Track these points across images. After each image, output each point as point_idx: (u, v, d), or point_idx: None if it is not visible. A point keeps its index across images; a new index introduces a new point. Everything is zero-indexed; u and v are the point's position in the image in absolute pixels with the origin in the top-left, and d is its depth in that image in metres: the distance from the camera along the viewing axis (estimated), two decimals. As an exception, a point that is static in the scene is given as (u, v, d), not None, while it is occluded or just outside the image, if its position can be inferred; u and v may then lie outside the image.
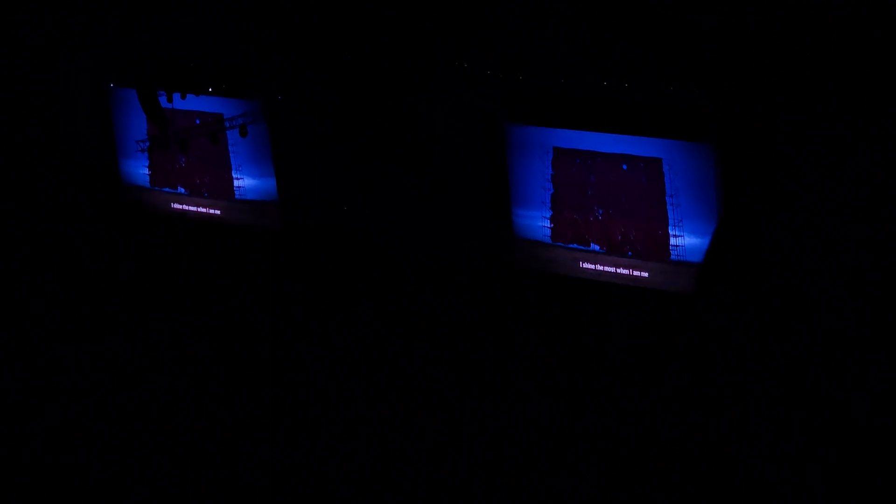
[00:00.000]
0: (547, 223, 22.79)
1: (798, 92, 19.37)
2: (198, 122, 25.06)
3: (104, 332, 22.53)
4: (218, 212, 26.66)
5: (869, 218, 18.95)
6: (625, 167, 21.67)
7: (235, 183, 26.27)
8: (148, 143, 24.75)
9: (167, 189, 27.14)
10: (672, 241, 21.49)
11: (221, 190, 26.47)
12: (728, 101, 20.08)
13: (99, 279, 24.41)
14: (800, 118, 19.43)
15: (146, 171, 27.39)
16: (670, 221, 21.46)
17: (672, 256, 21.56)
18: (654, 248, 21.73)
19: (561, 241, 22.69)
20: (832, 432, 17.76)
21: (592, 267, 22.55)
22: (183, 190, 26.97)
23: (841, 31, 18.64)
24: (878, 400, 18.00)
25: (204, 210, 26.84)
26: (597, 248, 22.32)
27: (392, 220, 24.29)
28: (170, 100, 24.08)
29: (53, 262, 24.74)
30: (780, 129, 19.64)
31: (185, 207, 27.07)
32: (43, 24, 26.38)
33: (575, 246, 22.57)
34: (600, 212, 22.22)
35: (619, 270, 22.26)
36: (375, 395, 20.35)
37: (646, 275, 21.93)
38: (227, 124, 24.41)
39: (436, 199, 23.70)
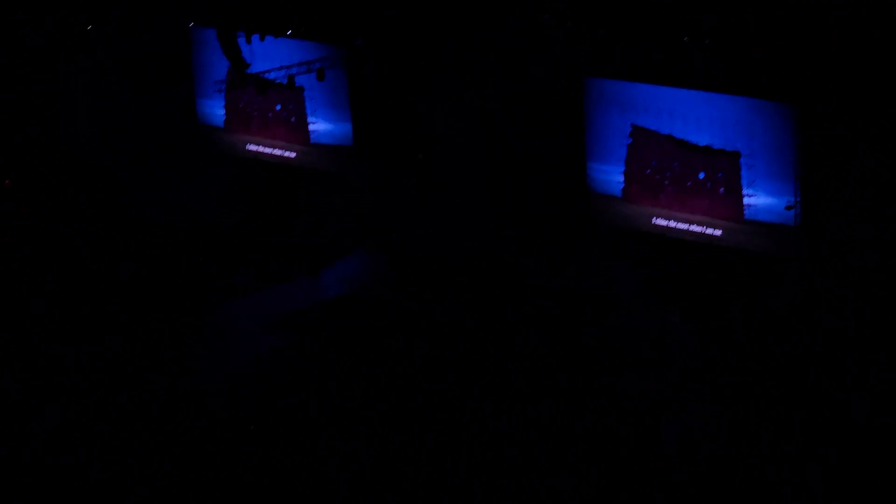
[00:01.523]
0: (621, 179, 22.81)
1: (882, 61, 19.27)
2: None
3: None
4: (293, 154, 26.81)
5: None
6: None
7: (311, 127, 26.39)
8: (226, 84, 24.92)
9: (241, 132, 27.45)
10: (745, 200, 21.44)
11: (296, 134, 26.63)
12: (811, 63, 19.97)
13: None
14: (883, 87, 19.33)
15: (222, 111, 27.57)
16: (744, 181, 21.41)
17: (745, 216, 21.51)
18: (728, 207, 21.70)
19: (634, 200, 22.73)
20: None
21: (665, 223, 22.53)
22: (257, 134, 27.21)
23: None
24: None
25: (279, 152, 26.99)
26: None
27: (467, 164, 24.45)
28: (248, 41, 24.20)
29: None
30: (863, 96, 19.53)
31: (260, 149, 27.24)
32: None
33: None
34: (676, 164, 22.20)
35: (691, 228, 22.24)
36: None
37: (719, 233, 21.89)
38: (305, 68, 24.51)
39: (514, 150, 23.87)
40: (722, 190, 21.69)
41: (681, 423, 18.60)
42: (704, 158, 21.76)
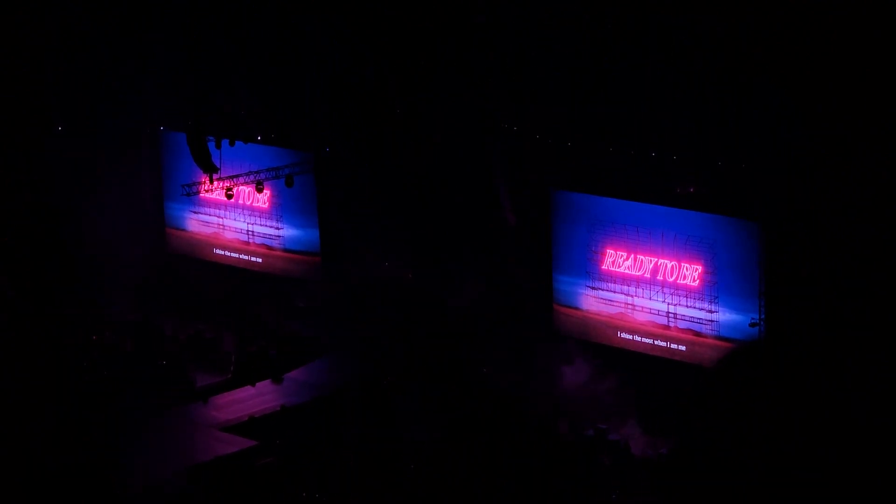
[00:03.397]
0: (589, 291, 22.87)
1: (841, 172, 19.39)
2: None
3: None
4: (259, 260, 26.81)
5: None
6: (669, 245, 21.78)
7: (277, 232, 26.42)
8: (194, 188, 24.87)
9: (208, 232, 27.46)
10: (708, 315, 21.50)
11: (264, 238, 26.67)
12: (776, 180, 20.11)
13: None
14: (843, 199, 19.43)
15: (191, 215, 27.60)
16: (707, 297, 21.50)
17: (707, 331, 21.55)
18: (693, 322, 21.76)
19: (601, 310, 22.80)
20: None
21: (630, 338, 22.55)
22: (225, 235, 27.21)
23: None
24: None
25: (245, 257, 26.98)
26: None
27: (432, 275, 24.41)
28: (218, 146, 24.19)
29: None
30: (826, 210, 19.63)
31: (227, 253, 27.23)
32: (96, 61, 26.64)
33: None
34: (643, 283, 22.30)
35: (656, 342, 22.25)
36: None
37: (683, 348, 21.89)
38: (274, 173, 24.53)
39: (478, 259, 23.84)
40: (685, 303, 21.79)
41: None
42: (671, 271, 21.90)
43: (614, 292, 22.63)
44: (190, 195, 25.37)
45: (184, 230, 27.89)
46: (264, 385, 23.20)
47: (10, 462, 18.90)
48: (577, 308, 23.11)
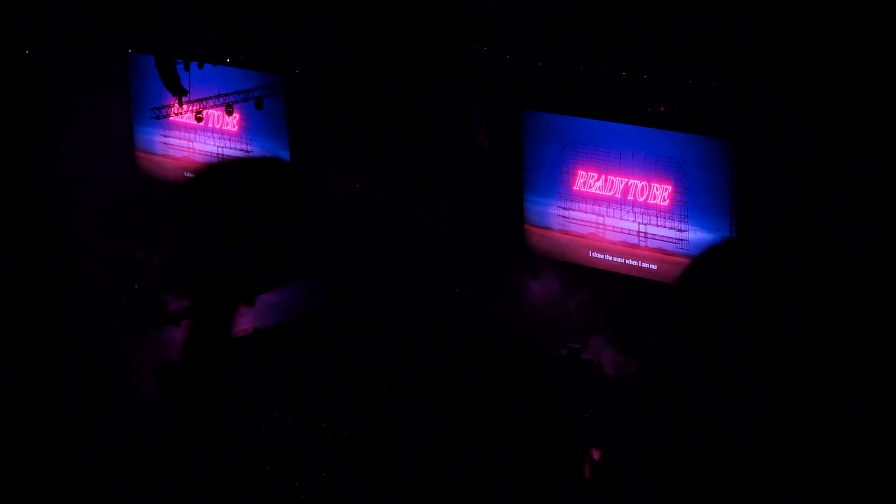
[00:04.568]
0: (558, 211, 22.93)
1: (814, 94, 19.41)
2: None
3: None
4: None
5: (876, 219, 19.02)
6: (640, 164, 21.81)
7: (247, 154, 26.36)
8: (163, 112, 24.80)
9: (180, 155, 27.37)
10: (678, 234, 21.62)
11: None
12: (747, 98, 20.12)
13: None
14: (816, 121, 19.47)
15: (161, 138, 27.50)
16: (676, 216, 21.60)
17: (677, 249, 21.67)
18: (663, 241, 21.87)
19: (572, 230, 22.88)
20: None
21: (602, 257, 22.66)
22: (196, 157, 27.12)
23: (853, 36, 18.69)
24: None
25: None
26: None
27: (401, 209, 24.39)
28: (186, 68, 24.11)
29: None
30: (798, 129, 19.68)
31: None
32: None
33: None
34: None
35: (627, 261, 22.37)
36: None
37: (654, 267, 22.03)
38: (243, 96, 24.46)
39: (448, 187, 23.82)
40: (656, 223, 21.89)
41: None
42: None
43: (585, 212, 22.72)
44: (159, 118, 25.30)
45: (154, 153, 27.77)
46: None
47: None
48: (548, 228, 23.20)
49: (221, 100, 24.41)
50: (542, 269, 22.93)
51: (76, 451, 18.86)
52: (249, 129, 26.25)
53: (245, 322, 22.75)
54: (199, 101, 24.20)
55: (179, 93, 23.98)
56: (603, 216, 22.52)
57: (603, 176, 22.37)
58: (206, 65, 24.15)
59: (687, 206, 21.45)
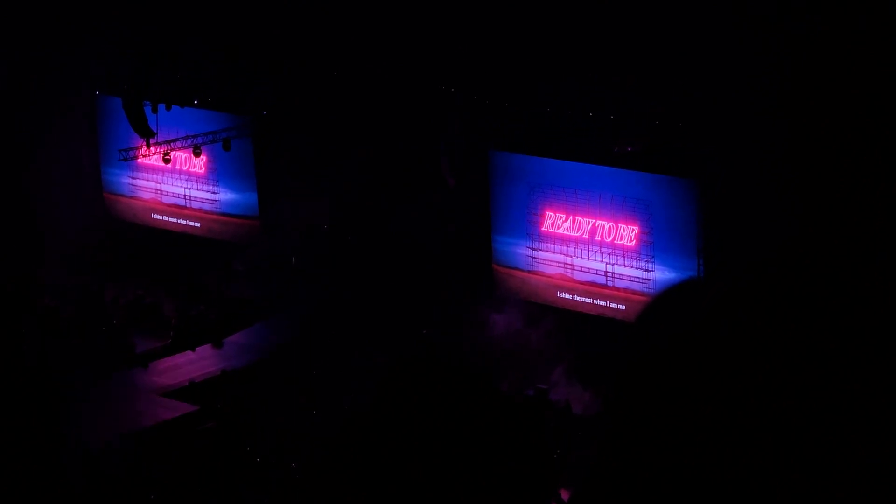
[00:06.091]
0: (529, 252, 22.95)
1: (781, 132, 19.52)
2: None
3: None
4: (198, 224, 26.65)
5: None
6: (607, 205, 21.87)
7: (214, 196, 26.29)
8: (131, 153, 24.73)
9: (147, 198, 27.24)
10: (644, 274, 21.68)
11: (202, 203, 26.50)
12: (713, 138, 20.24)
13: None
14: (784, 158, 19.57)
15: (129, 180, 27.40)
16: (643, 256, 21.67)
17: (644, 289, 21.71)
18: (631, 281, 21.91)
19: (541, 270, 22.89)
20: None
21: (570, 297, 22.68)
22: (163, 200, 27.01)
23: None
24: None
25: (184, 222, 26.83)
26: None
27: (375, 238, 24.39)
28: (154, 110, 24.07)
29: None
30: (764, 169, 19.78)
31: (165, 219, 27.06)
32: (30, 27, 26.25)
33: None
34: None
35: (595, 301, 22.40)
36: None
37: (622, 307, 22.06)
38: (211, 137, 24.43)
39: (419, 220, 23.83)
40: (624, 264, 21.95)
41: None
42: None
43: (553, 252, 22.76)
44: (127, 160, 25.23)
45: (122, 195, 27.68)
46: (204, 349, 23.20)
47: None
48: (516, 268, 23.20)
49: (189, 141, 24.39)
50: (509, 308, 22.94)
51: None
52: (216, 170, 26.19)
53: (212, 364, 22.70)
54: (167, 142, 24.17)
55: (147, 134, 23.93)
56: (571, 256, 22.56)
57: (571, 216, 22.43)
58: (173, 106, 24.13)
59: (654, 247, 21.52)
